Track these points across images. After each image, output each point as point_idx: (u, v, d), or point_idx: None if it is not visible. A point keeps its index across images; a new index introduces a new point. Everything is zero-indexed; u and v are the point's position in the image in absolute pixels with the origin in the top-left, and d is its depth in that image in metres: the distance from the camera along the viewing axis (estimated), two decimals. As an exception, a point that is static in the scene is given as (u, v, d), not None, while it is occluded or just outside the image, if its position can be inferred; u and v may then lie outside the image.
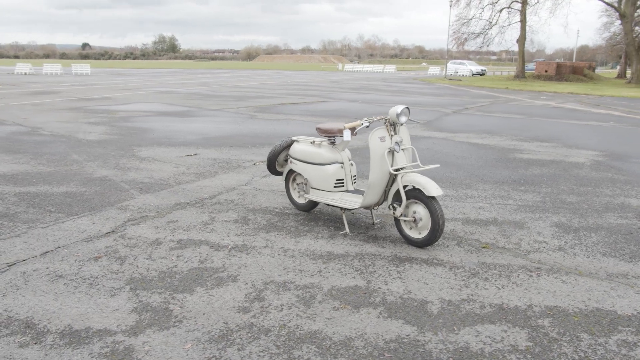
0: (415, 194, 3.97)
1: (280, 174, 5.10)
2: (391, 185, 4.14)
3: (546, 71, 39.48)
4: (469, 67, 48.12)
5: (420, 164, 4.19)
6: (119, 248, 3.90)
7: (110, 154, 7.50)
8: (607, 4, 34.37)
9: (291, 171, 4.94)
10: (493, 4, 36.93)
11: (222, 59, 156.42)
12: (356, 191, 4.49)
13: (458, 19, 38.70)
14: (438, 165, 4.11)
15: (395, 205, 4.09)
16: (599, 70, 55.88)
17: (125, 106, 14.48)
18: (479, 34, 38.65)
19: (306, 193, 4.66)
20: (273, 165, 4.97)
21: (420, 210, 3.99)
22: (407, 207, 4.06)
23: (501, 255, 3.96)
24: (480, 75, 47.49)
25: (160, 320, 2.86)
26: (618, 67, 52.21)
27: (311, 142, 4.66)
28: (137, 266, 3.58)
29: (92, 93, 19.38)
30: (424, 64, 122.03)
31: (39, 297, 3.10)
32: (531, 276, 3.58)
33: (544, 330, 2.86)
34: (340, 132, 4.40)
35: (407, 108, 4.07)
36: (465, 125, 11.80)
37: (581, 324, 2.95)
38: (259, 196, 5.43)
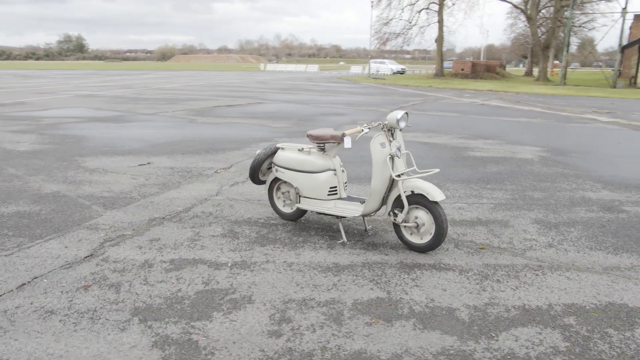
0: (417, 199, 3.95)
1: (263, 182, 4.89)
2: (390, 192, 4.08)
3: (462, 69, 41.53)
4: (389, 66, 49.55)
5: (416, 169, 4.17)
6: (106, 274, 3.53)
7: (52, 166, 6.85)
8: (516, 7, 36.80)
9: (275, 180, 4.75)
10: (412, 5, 38.27)
11: (134, 59, 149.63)
12: (349, 198, 4.40)
13: (379, 19, 39.69)
14: (438, 170, 4.11)
15: (396, 211, 4.04)
16: (507, 69, 59.68)
17: (48, 112, 13.37)
18: (399, 34, 39.91)
19: (296, 202, 4.50)
20: (257, 174, 4.75)
21: (422, 216, 3.97)
22: (407, 212, 4.02)
23: (500, 255, 4.03)
24: (401, 73, 49.07)
25: (189, 355, 2.60)
26: (522, 65, 56.38)
27: (299, 150, 4.50)
28: (137, 293, 3.26)
29: (1, 97, 17.72)
30: (341, 63, 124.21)
31: (35, 340, 2.72)
32: (537, 275, 3.66)
33: (574, 329, 2.93)
34: (332, 138, 4.28)
35: (407, 113, 4.03)
36: (418, 125, 12.02)
37: (603, 319, 3.05)
38: (236, 207, 5.17)
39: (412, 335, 2.83)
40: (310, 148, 4.46)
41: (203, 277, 3.51)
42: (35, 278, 3.45)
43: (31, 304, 3.10)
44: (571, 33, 36.45)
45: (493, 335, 2.85)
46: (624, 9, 30.27)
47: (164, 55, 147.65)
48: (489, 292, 3.37)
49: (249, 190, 5.79)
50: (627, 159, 8.19)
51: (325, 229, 4.55)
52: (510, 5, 35.91)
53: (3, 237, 4.18)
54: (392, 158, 3.96)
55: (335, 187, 4.32)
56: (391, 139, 4.00)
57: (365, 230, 4.54)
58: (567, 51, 32.63)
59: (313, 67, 56.90)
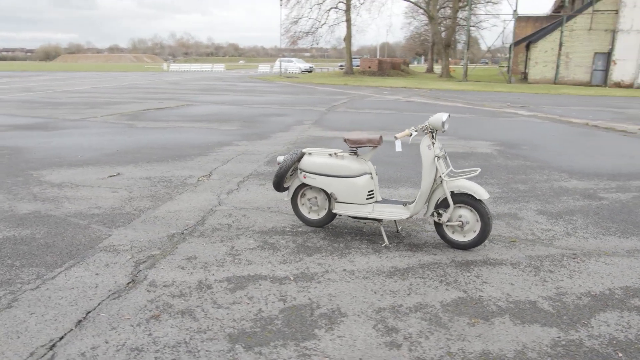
0: (462, 199, 4.06)
1: (285, 190, 4.74)
2: (433, 192, 4.15)
3: (369, 67, 42.94)
4: (297, 65, 49.86)
5: (453, 169, 4.28)
6: (167, 300, 3.24)
7: (6, 183, 6.09)
8: (419, 6, 38.72)
9: (300, 186, 4.62)
10: (319, 4, 38.81)
11: (13, 59, 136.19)
12: (385, 201, 4.40)
13: (287, 17, 39.76)
14: (479, 170, 4.22)
15: (440, 211, 4.12)
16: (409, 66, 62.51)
17: (-46, 121, 11.81)
18: (308, 33, 40.29)
19: (331, 208, 4.42)
20: (282, 181, 4.59)
21: (466, 214, 4.08)
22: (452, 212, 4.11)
23: (534, 246, 4.26)
24: (309, 72, 49.57)
25: (326, 377, 2.47)
26: (417, 62, 59.61)
27: (329, 154, 4.42)
28: (217, 318, 3.02)
29: None
30: (241, 61, 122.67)
31: (145, 381, 2.43)
32: (578, 262, 3.93)
33: (646, 310, 3.19)
34: (369, 142, 4.26)
35: (449, 115, 4.11)
36: (353, 122, 12.26)
37: (662, 298, 3.35)
38: (251, 217, 4.96)
39: (518, 331, 2.92)
40: (339, 152, 4.41)
41: (275, 294, 3.33)
42: (89, 313, 3.07)
43: (106, 342, 2.76)
44: (464, 32, 39.15)
45: (585, 322, 3.02)
46: (515, 11, 33.08)
47: (48, 55, 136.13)
48: (551, 283, 3.56)
49: (251, 198, 5.57)
50: (570, 150, 9.00)
51: (358, 233, 4.52)
52: (408, 4, 37.75)
53: (12, 268, 3.66)
54: (438, 159, 4.02)
55: (372, 190, 4.30)
56: (434, 140, 4.06)
57: (397, 231, 4.57)
58: (468, 49, 35.01)
59: (219, 67, 55.68)
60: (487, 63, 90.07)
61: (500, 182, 6.49)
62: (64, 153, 7.98)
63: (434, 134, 4.10)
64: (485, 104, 18.03)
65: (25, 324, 2.92)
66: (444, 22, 40.86)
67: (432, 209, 4.15)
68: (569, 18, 31.25)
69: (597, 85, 30.62)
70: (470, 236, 4.11)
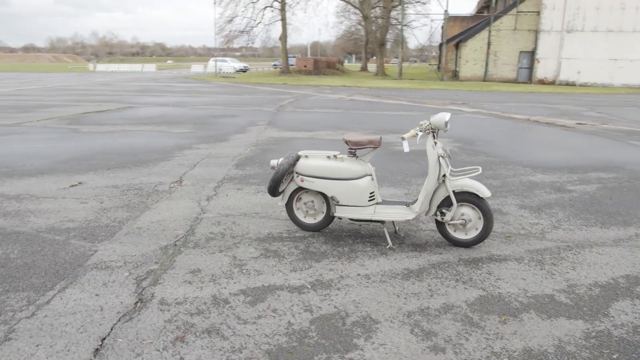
0: (464, 197, 4.10)
1: (280, 194, 4.59)
2: (435, 192, 4.17)
3: (305, 66, 43.02)
4: (232, 64, 49.04)
5: (452, 168, 4.32)
6: (186, 319, 3.03)
7: (-45, 198, 5.50)
8: (353, 6, 39.21)
9: (295, 190, 4.50)
10: (254, 2, 38.35)
11: None
12: (386, 202, 4.38)
13: (221, 16, 38.97)
14: (480, 169, 4.26)
15: (443, 210, 4.14)
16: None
17: None
18: (243, 31, 39.71)
19: (331, 212, 4.34)
20: (279, 186, 4.44)
21: (468, 212, 4.14)
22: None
23: (529, 240, 4.40)
24: (244, 71, 48.90)
25: (386, 389, 2.40)
26: (347, 61, 60.54)
27: (327, 157, 4.33)
28: (248, 335, 2.86)
29: None
30: (169, 61, 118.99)
31: (196, 411, 2.24)
32: (575, 254, 4.10)
33: (653, 296, 3.37)
34: (370, 143, 4.21)
35: (451, 115, 4.13)
36: (307, 122, 12.19)
37: (661, 284, 3.55)
38: (240, 223, 4.77)
39: (548, 325, 2.98)
40: (337, 154, 4.33)
41: (298, 305, 3.21)
42: (104, 339, 2.80)
43: (135, 370, 2.53)
44: (393, 31, 40.18)
45: (605, 313, 3.14)
46: (446, 11, 34.32)
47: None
48: (559, 276, 3.68)
49: (234, 204, 5.37)
50: (523, 145, 9.42)
51: (357, 236, 4.47)
52: (340, 3, 38.19)
53: (-3, 295, 3.29)
54: (441, 158, 4.04)
55: (373, 192, 4.26)
56: (436, 140, 4.08)
57: (395, 232, 4.56)
58: (402, 48, 35.93)
59: (150, 67, 53.65)
60: (415, 61, 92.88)
61: (473, 178, 6.65)
62: (9, 162, 7.33)
63: (435, 134, 4.12)
64: (427, 101, 18.55)
65: (34, 357, 2.62)
66: (377, 21, 41.68)
67: (434, 208, 4.17)
68: (496, 18, 32.84)
69: (523, 82, 32.42)
70: (472, 234, 4.16)
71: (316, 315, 3.08)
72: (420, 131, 4.06)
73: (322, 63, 43.09)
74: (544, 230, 4.67)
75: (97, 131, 10.42)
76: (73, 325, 2.93)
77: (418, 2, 42.37)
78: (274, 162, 4.53)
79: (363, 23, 44.14)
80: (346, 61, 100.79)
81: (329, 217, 4.46)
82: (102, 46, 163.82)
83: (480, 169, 4.17)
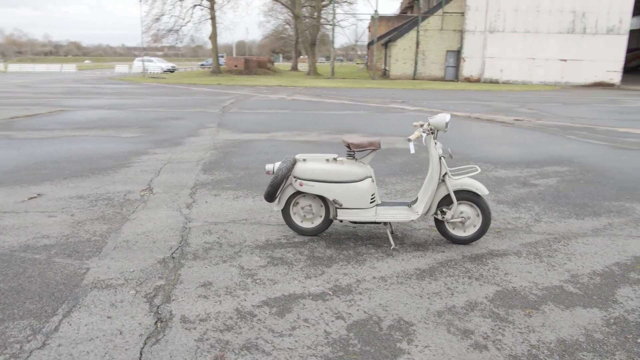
0: (463, 196, 4.22)
1: (274, 200, 4.49)
2: (435, 191, 4.25)
3: (236, 66, 42.36)
4: (159, 64, 47.33)
5: (449, 168, 4.42)
6: (217, 336, 2.89)
7: None
8: (285, 5, 39.09)
9: (292, 195, 4.42)
10: (181, 0, 37.22)
11: None
12: (386, 203, 4.40)
13: (147, 14, 37.49)
14: (479, 169, 4.36)
15: (444, 209, 4.23)
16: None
17: None
18: (171, 30, 38.45)
19: (331, 216, 4.31)
20: (277, 191, 4.34)
21: (466, 210, 4.26)
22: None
23: (518, 234, 4.60)
24: (171, 72, 47.36)
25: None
26: (282, 60, 60.45)
27: (327, 160, 4.30)
28: (289, 348, 2.78)
29: None
30: (87, 61, 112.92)
31: None
32: (564, 245, 4.34)
33: (647, 281, 3.63)
34: (371, 145, 4.22)
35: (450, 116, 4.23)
36: (259, 123, 12.02)
37: (649, 270, 3.84)
38: (233, 231, 4.62)
39: (569, 315, 3.14)
40: (339, 157, 4.31)
41: (327, 313, 3.16)
42: (137, 364, 2.61)
43: (185, 395, 2.38)
44: (320, 31, 40.61)
45: (614, 300, 3.35)
46: (376, 11, 35.10)
47: None
48: (560, 267, 3.88)
49: (218, 211, 5.19)
50: (474, 141, 9.83)
51: (356, 238, 4.47)
52: (268, 2, 38.04)
53: (-7, 325, 2.97)
54: (442, 158, 4.13)
55: (374, 194, 4.28)
56: (436, 140, 4.16)
57: (392, 232, 4.60)
58: (333, 47, 36.31)
59: (70, 67, 50.58)
60: (342, 60, 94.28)
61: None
62: (-53, 175, 6.64)
63: (435, 135, 4.19)
64: (369, 100, 18.89)
65: (65, 391, 2.39)
66: (306, 20, 41.88)
67: (435, 207, 4.25)
68: (424, 18, 34.02)
69: (451, 80, 33.84)
70: (470, 231, 4.29)
71: (349, 322, 3.05)
72: (424, 132, 4.12)
73: (253, 63, 42.64)
74: (528, 224, 4.90)
75: (36, 137, 9.67)
76: (96, 354, 2.70)
77: (345, 1, 43.04)
78: (269, 167, 4.43)
79: (292, 22, 44.24)
80: (281, 60, 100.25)
81: (328, 221, 4.42)
82: (9, 45, 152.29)
83: (479, 168, 4.30)
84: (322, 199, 4.38)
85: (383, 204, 4.39)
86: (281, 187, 4.35)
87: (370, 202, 4.24)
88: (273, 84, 28.93)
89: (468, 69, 33.21)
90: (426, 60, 34.78)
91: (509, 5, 31.50)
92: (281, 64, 74.51)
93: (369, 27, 58.67)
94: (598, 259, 4.04)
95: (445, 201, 4.25)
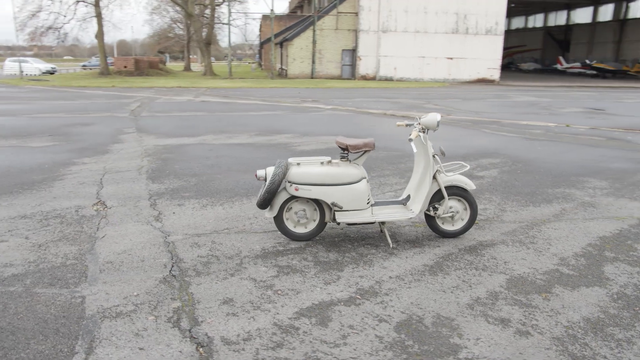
0: (452, 191, 4.42)
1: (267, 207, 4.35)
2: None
3: (125, 67, 39.93)
4: (35, 65, 43.06)
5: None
6: (270, 354, 2.76)
7: None
8: (177, 3, 37.54)
9: (286, 201, 4.32)
10: (60, -5, 34.15)
11: None
12: (380, 202, 4.46)
13: (20, 10, 33.92)
14: (468, 166, 4.56)
15: (436, 205, 4.40)
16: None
17: None
18: (50, 28, 35.20)
19: (328, 219, 4.28)
20: (273, 197, 4.21)
21: (455, 205, 4.46)
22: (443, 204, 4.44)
23: (495, 225, 4.93)
24: (51, 73, 43.39)
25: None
26: (169, 60, 58.18)
27: (321, 163, 4.26)
28: (352, 357, 2.74)
29: None
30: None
31: None
32: (539, 232, 4.73)
33: (634, 252, 4.09)
34: (366, 146, 4.26)
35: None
36: (181, 127, 11.49)
37: (623, 243, 4.32)
38: (222, 242, 4.41)
39: (578, 295, 3.44)
40: (334, 160, 4.30)
41: (368, 317, 3.15)
42: (202, 395, 2.42)
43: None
44: (210, 30, 39.77)
45: (607, 277, 3.73)
46: (272, 10, 35.07)
47: None
48: (545, 252, 4.22)
49: (192, 222, 4.91)
50: (405, 137, 10.26)
51: (351, 240, 4.48)
52: (155, 1, 36.42)
53: (5, 374, 2.57)
54: (434, 157, 4.28)
55: (369, 194, 4.32)
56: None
57: (381, 231, 4.68)
58: (230, 47, 35.66)
59: None
60: (232, 60, 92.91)
61: (391, 173, 7.09)
62: None
63: (426, 133, 4.33)
64: (280, 100, 18.87)
65: None
66: (200, 19, 40.69)
67: (427, 204, 4.39)
68: (319, 18, 34.65)
69: (348, 78, 34.88)
70: (458, 225, 4.50)
71: (393, 324, 3.07)
72: (421, 131, 4.23)
73: (144, 63, 40.51)
74: (497, 214, 5.25)
75: None
76: (150, 389, 2.44)
77: (237, 0, 42.49)
78: (261, 173, 4.28)
79: (182, 21, 42.71)
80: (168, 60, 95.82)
81: (322, 225, 4.39)
82: None
83: (468, 165, 4.52)
84: (317, 202, 4.33)
85: (376, 203, 4.44)
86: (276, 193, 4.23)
87: (367, 203, 4.28)
88: (172, 85, 27.73)
89: (364, 67, 34.45)
90: (323, 59, 35.47)
91: (400, 7, 33.20)
92: (171, 65, 71.67)
93: (260, 27, 58.52)
94: (572, 242, 4.45)
95: (436, 197, 4.41)
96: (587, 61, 44.53)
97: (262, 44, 52.56)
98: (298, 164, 4.24)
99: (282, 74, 38.44)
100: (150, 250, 4.17)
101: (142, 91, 23.41)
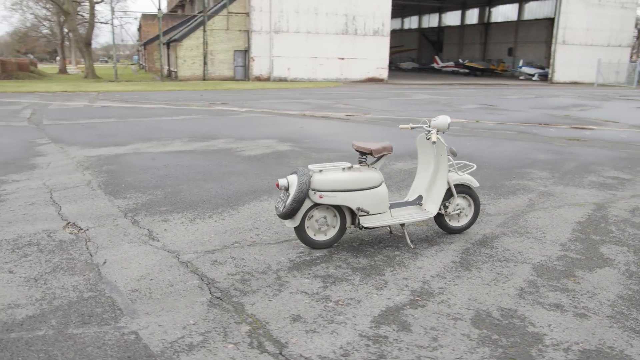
0: (459, 189, 4.67)
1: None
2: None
3: (-12, 69, 35.59)
4: None
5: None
6: (378, 365, 2.75)
7: None
8: (55, 2, 34.16)
9: (308, 209, 4.26)
10: None
11: None
12: (396, 204, 4.56)
13: None
14: (475, 166, 4.80)
15: (446, 203, 4.61)
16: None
17: None
18: None
19: (358, 224, 4.29)
20: (301, 206, 4.12)
21: (461, 202, 4.72)
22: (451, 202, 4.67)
23: (485, 218, 5.28)
24: None
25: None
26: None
27: (342, 169, 4.26)
28: (456, 358, 2.82)
29: None
30: None
31: None
32: (525, 221, 5.17)
33: (613, 234, 4.64)
34: (385, 149, 4.35)
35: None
36: (101, 135, 10.58)
37: (599, 224, 4.89)
38: (244, 257, 4.22)
39: (600, 276, 3.86)
40: (356, 165, 4.33)
41: (441, 318, 3.25)
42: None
43: None
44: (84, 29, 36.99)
45: (608, 258, 4.21)
46: (159, 9, 33.43)
47: None
48: (546, 240, 4.64)
49: (193, 239, 4.62)
50: (335, 138, 10.48)
51: (368, 244, 4.54)
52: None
53: None
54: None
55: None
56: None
57: (390, 232, 4.79)
58: (115, 47, 33.37)
59: None
60: (106, 61, 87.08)
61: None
62: None
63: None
64: (187, 103, 18.15)
65: None
66: (76, 17, 37.51)
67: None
68: (209, 18, 33.77)
69: (242, 80, 34.46)
70: (464, 221, 4.77)
71: (468, 321, 3.19)
72: (438, 132, 4.40)
73: (12, 65, 36.34)
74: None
75: None
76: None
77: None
78: (283, 182, 4.17)
79: (53, 19, 39.03)
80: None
81: (342, 231, 4.38)
82: None
83: (474, 165, 4.79)
84: (337, 208, 4.32)
85: (392, 205, 4.54)
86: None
87: (387, 206, 4.36)
88: (56, 89, 25.27)
89: (258, 68, 34.27)
90: (215, 60, 34.64)
91: (291, 7, 33.52)
92: (42, 67, 65.18)
93: (140, 26, 55.51)
94: (559, 229, 4.93)
95: (445, 195, 4.62)
96: (460, 60, 48.69)
97: (144, 45, 49.84)
98: (320, 170, 4.19)
99: (172, 76, 36.86)
100: (172, 273, 3.86)
101: (23, 96, 21.07)
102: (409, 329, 3.09)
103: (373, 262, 4.10)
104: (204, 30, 33.50)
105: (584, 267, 4.02)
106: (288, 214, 4.10)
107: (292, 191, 4.09)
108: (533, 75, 40.91)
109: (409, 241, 4.47)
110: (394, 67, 57.09)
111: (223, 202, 5.72)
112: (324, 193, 4.13)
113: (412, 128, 4.70)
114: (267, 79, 34.48)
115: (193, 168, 7.48)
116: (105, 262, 4.06)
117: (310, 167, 4.23)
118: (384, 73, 36.02)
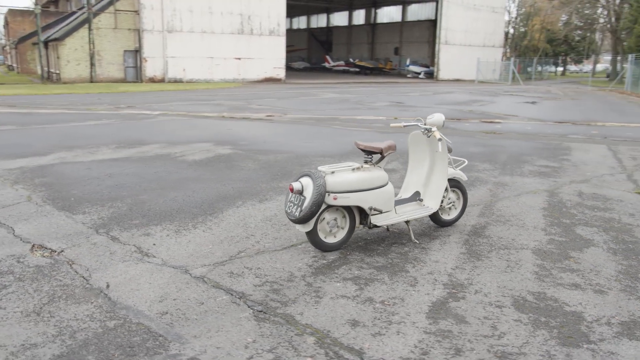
0: (451, 184, 4.89)
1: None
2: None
3: None
4: None
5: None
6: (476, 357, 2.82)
7: None
8: None
9: (322, 211, 4.20)
10: None
11: None
12: (398, 201, 4.64)
13: None
14: (466, 162, 4.99)
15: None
16: None
17: None
18: None
19: (366, 224, 4.31)
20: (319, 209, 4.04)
21: (451, 196, 4.95)
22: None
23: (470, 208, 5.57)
24: None
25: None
26: None
27: (352, 169, 4.27)
28: (525, 342, 2.98)
29: None
30: None
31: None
32: (499, 210, 5.55)
33: (593, 213, 5.15)
34: (390, 148, 4.42)
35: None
36: (14, 145, 9.43)
37: (583, 204, 5.41)
38: (260, 267, 4.05)
39: (591, 256, 4.28)
40: (365, 165, 4.35)
41: (487, 307, 3.40)
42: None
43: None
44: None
45: (587, 238, 4.68)
46: (37, 5, 30.34)
47: None
48: (528, 226, 5.03)
49: (191, 252, 4.33)
50: (275, 139, 10.38)
51: (374, 242, 4.58)
52: None
53: None
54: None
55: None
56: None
57: (387, 230, 4.88)
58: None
59: None
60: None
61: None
62: None
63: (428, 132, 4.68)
64: (90, 107, 16.77)
65: None
66: None
67: (438, 198, 4.76)
68: (95, 15, 31.43)
69: (133, 82, 32.56)
70: (454, 214, 5.00)
71: (511, 307, 3.38)
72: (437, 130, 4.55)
73: None
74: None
75: None
76: None
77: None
78: (297, 185, 4.07)
79: None
80: None
81: (352, 231, 4.38)
82: None
83: (466, 160, 5.02)
84: (347, 209, 4.31)
85: (395, 202, 4.62)
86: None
87: (393, 204, 4.44)
88: None
89: (151, 69, 32.63)
90: (102, 61, 32.34)
91: (184, 6, 32.34)
92: None
93: (7, 23, 50.14)
94: (531, 216, 5.36)
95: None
96: (351, 59, 50.39)
97: (16, 43, 44.99)
98: (333, 172, 4.15)
99: (52, 79, 33.74)
100: (194, 291, 3.59)
101: None
102: (465, 321, 3.18)
103: (390, 260, 4.15)
104: (90, 29, 31.13)
105: (575, 249, 4.42)
106: (307, 218, 4.01)
107: (309, 194, 4.00)
108: (419, 74, 43.63)
109: (413, 237, 4.58)
110: (286, 67, 57.59)
111: (198, 211, 5.41)
112: (337, 194, 4.09)
113: (405, 126, 4.81)
114: (162, 80, 32.95)
115: (141, 176, 6.96)
116: (108, 286, 3.65)
117: (321, 168, 4.17)
118: (281, 73, 36.16)
